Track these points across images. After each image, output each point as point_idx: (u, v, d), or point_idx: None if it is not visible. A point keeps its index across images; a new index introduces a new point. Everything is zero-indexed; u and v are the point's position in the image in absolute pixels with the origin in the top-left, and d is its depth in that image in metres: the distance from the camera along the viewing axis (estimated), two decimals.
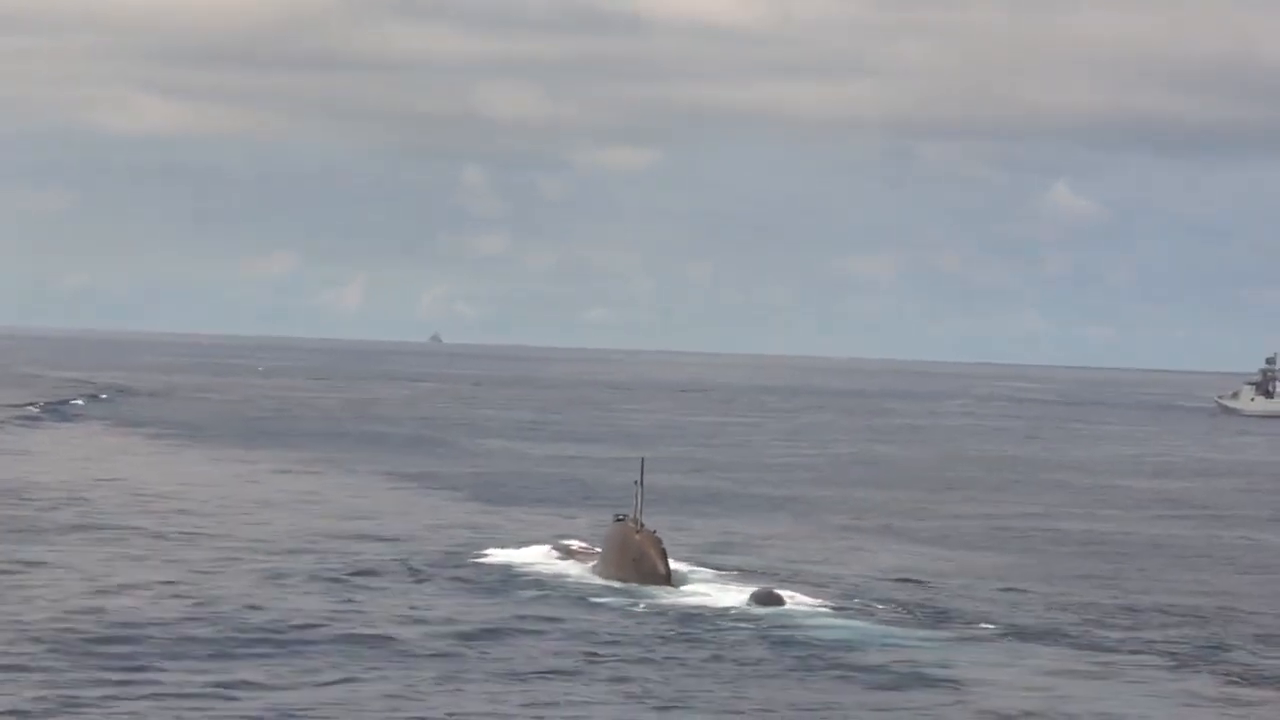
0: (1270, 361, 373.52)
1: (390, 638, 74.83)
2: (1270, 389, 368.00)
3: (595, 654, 74.28)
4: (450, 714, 61.87)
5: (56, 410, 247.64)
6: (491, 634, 78.19)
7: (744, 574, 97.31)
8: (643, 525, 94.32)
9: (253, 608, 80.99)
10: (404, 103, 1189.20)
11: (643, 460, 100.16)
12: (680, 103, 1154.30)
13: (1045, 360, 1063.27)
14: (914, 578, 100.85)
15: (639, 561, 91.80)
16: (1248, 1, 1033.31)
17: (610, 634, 79.07)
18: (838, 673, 71.82)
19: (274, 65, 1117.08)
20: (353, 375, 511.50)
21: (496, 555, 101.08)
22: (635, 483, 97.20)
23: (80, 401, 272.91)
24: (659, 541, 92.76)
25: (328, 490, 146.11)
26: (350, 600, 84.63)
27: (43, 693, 62.86)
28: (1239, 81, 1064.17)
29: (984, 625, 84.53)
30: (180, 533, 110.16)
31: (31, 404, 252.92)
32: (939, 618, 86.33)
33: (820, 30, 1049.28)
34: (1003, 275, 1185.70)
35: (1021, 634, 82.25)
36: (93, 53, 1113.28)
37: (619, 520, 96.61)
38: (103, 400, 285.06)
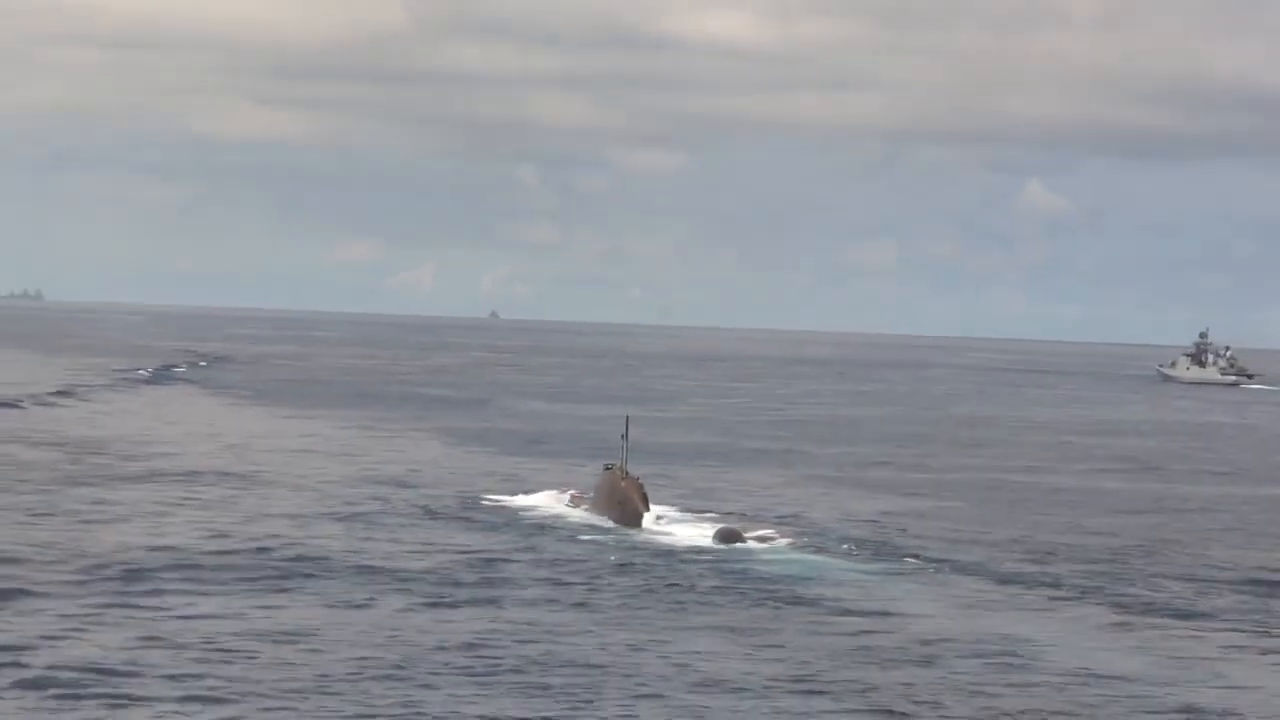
0: (1202, 336, 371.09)
1: (394, 569, 74.15)
2: (1202, 359, 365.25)
3: (562, 580, 74.01)
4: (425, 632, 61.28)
5: (162, 374, 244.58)
6: (486, 563, 78.02)
7: (719, 516, 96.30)
8: (628, 473, 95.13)
9: (285, 541, 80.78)
10: (468, 111, 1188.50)
11: (627, 418, 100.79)
12: (704, 112, 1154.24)
13: (1023, 335, 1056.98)
14: (869, 520, 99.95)
15: (624, 504, 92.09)
16: (1195, 28, 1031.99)
17: (582, 565, 78.71)
18: (777, 601, 70.93)
19: (358, 79, 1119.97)
20: (420, 346, 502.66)
21: (507, 500, 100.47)
22: (621, 437, 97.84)
23: (182, 368, 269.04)
24: (641, 486, 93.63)
25: (374, 443, 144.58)
26: (370, 537, 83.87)
27: (94, 607, 62.69)
28: (1188, 95, 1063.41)
29: (915, 560, 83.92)
30: (237, 475, 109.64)
31: (141, 369, 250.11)
32: (881, 554, 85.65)
33: (826, 50, 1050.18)
34: (986, 261, 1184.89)
35: (952, 569, 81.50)
36: (204, 69, 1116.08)
37: (608, 469, 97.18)
38: (201, 367, 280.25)
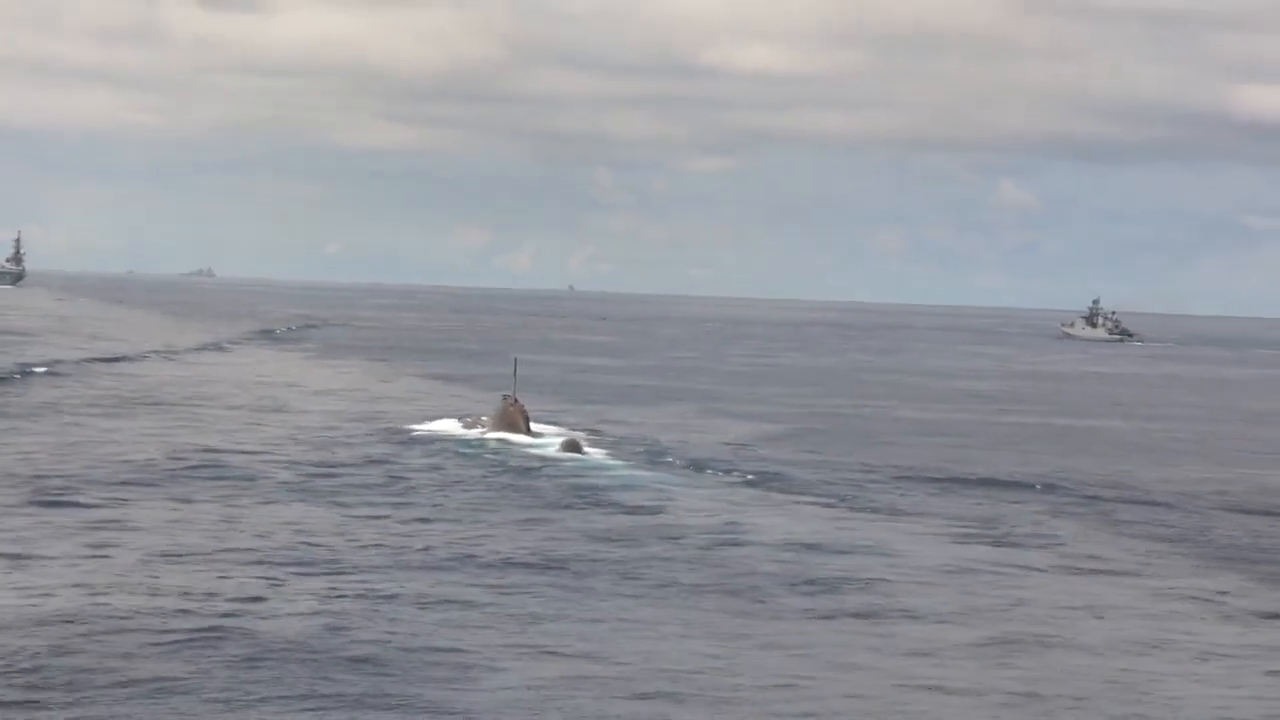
0: (1095, 303, 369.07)
1: (304, 476, 73.85)
2: (1094, 321, 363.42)
3: (408, 480, 73.99)
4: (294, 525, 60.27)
5: (264, 335, 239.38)
6: (374, 465, 79.11)
7: (592, 435, 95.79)
8: (516, 400, 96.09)
9: (232, 454, 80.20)
10: (553, 125, 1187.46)
11: (515, 359, 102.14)
12: (746, 125, 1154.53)
13: (1000, 304, 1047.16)
14: (719, 444, 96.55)
15: (511, 424, 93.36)
16: (1133, 56, 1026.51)
17: (433, 469, 78.55)
18: (579, 498, 69.67)
19: (463, 100, 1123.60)
20: (498, 311, 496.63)
21: (427, 426, 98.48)
22: (513, 373, 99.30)
23: (284, 330, 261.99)
24: (524, 410, 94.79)
25: (373, 384, 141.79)
26: (305, 453, 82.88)
27: (152, 503, 63.64)
28: (1129, 111, 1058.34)
29: (735, 475, 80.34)
30: (246, 407, 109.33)
31: (253, 331, 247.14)
32: (697, 467, 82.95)
33: (843, 74, 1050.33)
34: (972, 245, 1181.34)
35: (748, 479, 78.88)
36: (340, 91, 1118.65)
37: (505, 397, 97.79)
38: (299, 329, 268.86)
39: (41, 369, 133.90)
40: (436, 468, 79.28)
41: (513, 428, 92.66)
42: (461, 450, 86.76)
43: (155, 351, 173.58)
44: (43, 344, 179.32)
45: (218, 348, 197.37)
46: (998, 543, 63.43)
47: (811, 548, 59.43)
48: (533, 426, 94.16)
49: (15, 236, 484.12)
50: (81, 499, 64.44)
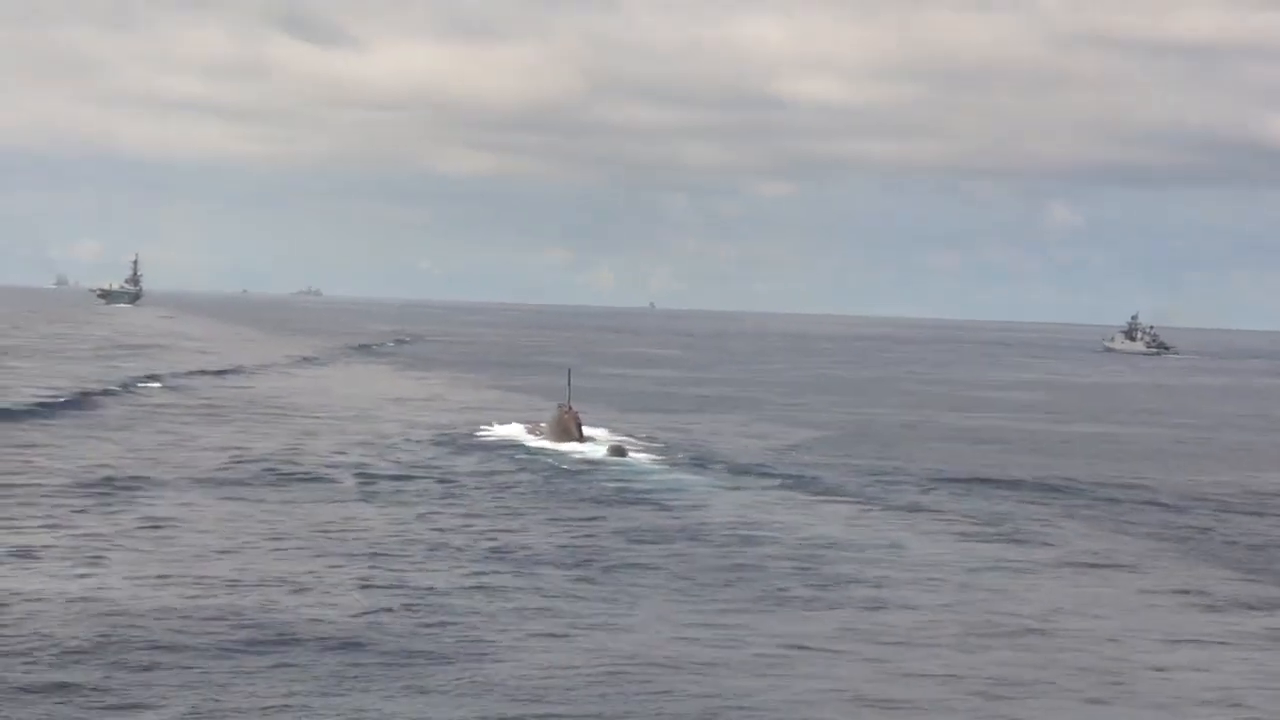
0: (1134, 317, 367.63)
1: (371, 476, 74.30)
2: (1133, 335, 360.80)
3: (459, 481, 74.29)
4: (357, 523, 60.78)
5: (355, 350, 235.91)
6: (432, 467, 79.23)
7: (643, 441, 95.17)
8: (571, 408, 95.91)
9: (333, 461, 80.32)
10: (631, 152, 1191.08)
11: (569, 370, 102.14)
12: (809, 153, 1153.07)
13: (1051, 319, 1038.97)
14: (764, 449, 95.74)
15: (565, 431, 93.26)
16: (1172, 89, 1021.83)
17: (484, 472, 78.42)
18: (615, 498, 69.36)
19: (546, 128, 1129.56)
20: (579, 327, 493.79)
21: (493, 431, 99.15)
22: (568, 383, 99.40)
23: (376, 345, 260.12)
24: (577, 417, 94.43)
25: (447, 391, 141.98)
26: (378, 455, 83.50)
27: (215, 502, 63.96)
28: (1168, 139, 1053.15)
29: (772, 478, 79.21)
30: (347, 417, 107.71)
31: (347, 346, 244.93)
32: (737, 470, 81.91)
33: (898, 105, 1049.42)
34: (1023, 264, 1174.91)
35: (783, 482, 77.70)
36: (434, 123, 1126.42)
37: (560, 406, 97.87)
38: (391, 345, 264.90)
39: (148, 382, 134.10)
40: (488, 470, 79.10)
41: (566, 434, 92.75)
42: (515, 454, 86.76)
43: (254, 365, 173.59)
44: (149, 358, 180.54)
45: (314, 361, 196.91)
46: (1005, 539, 62.96)
47: (826, 543, 59.20)
48: (586, 432, 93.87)
49: (133, 259, 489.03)
50: (151, 497, 65.17)
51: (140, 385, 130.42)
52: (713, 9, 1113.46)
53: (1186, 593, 52.70)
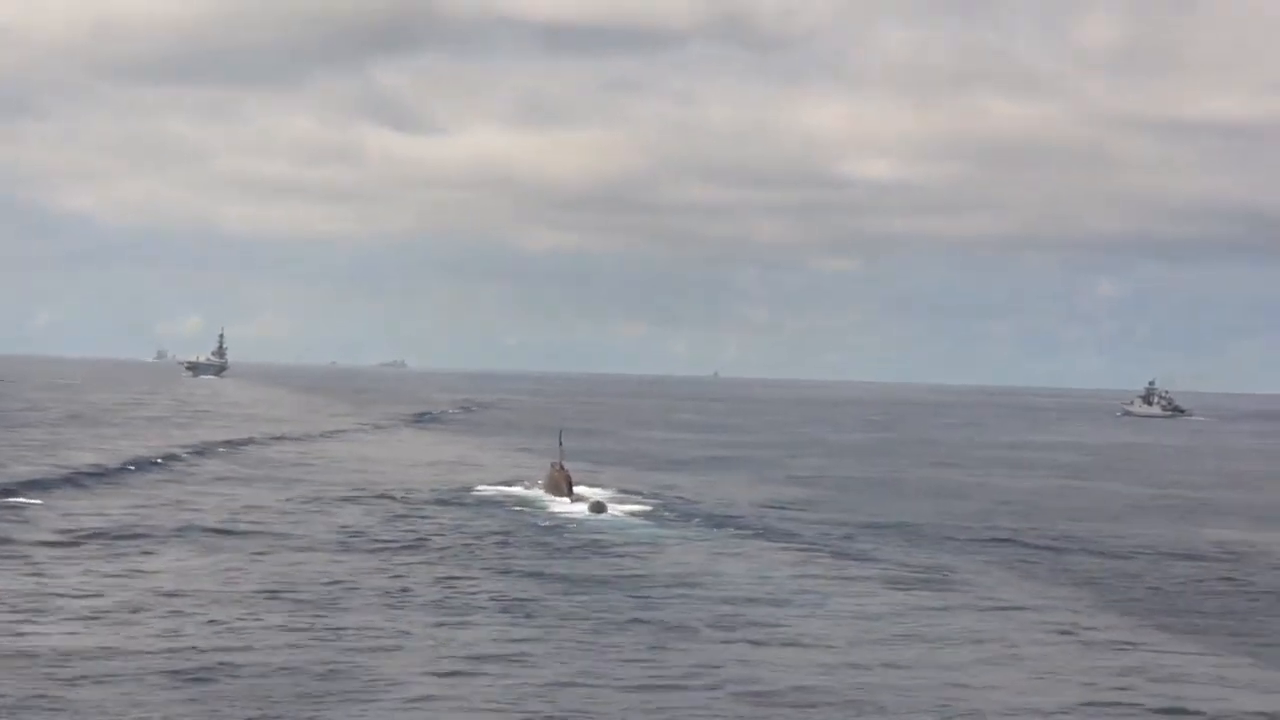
0: (1151, 383, 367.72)
1: (374, 534, 73.63)
2: (1150, 400, 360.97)
3: (435, 533, 73.86)
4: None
5: (420, 418, 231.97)
6: (416, 520, 79.28)
7: (633, 497, 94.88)
8: (563, 466, 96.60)
9: (331, 517, 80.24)
10: (697, 231, 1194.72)
11: (560, 430, 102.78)
12: (870, 229, 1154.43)
13: (1101, 386, 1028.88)
14: (749, 504, 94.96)
15: (555, 487, 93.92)
16: (1212, 167, 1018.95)
17: (463, 525, 78.34)
18: (576, 551, 68.58)
19: (619, 208, 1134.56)
20: (651, 395, 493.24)
21: (492, 489, 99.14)
22: (560, 444, 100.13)
23: (439, 412, 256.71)
24: (568, 475, 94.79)
25: (480, 455, 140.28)
26: (389, 513, 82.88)
27: (186, 554, 63.34)
28: (1207, 213, 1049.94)
29: (744, 530, 78.67)
30: (360, 478, 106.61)
31: (412, 414, 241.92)
32: (715, 525, 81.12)
33: (950, 183, 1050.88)
34: (1074, 333, 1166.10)
35: (755, 535, 77.07)
36: (513, 202, 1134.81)
37: (552, 464, 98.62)
38: (456, 413, 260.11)
39: (192, 449, 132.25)
40: (463, 525, 78.77)
41: (556, 490, 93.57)
42: (498, 510, 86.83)
43: (308, 433, 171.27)
44: (212, 425, 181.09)
45: (374, 427, 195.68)
46: (927, 586, 62.52)
47: (756, 589, 59.10)
48: (577, 489, 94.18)
49: (219, 333, 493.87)
50: (135, 549, 66.00)
51: (183, 454, 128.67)
52: (777, 97, 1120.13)
53: (1067, 631, 52.70)
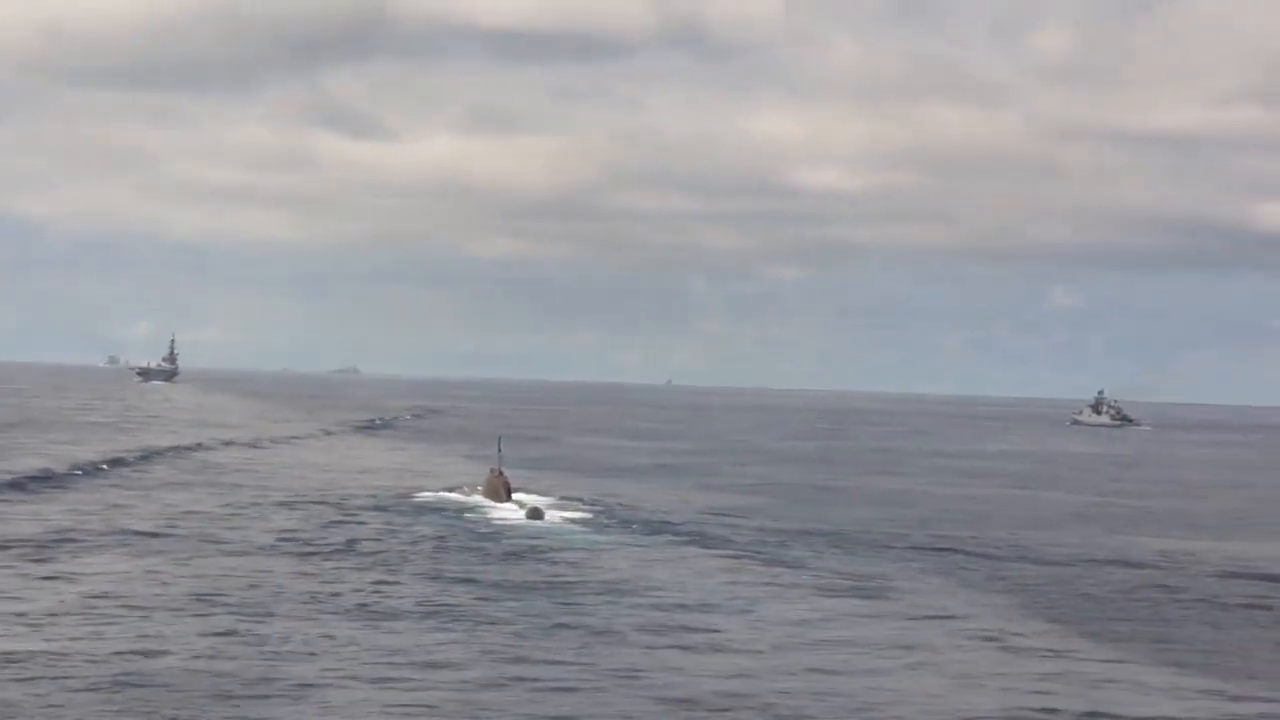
0: (1100, 393, 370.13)
1: (308, 538, 73.26)
2: (1099, 409, 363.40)
3: (369, 538, 73.61)
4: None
5: (367, 425, 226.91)
6: (352, 526, 78.70)
7: (573, 503, 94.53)
8: (501, 472, 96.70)
9: (265, 522, 79.80)
10: (649, 239, 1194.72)
11: (499, 437, 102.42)
12: (820, 238, 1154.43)
13: (1052, 395, 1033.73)
14: (688, 512, 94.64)
15: (494, 493, 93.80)
16: (1157, 178, 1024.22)
17: (397, 530, 77.94)
18: (508, 557, 68.17)
19: (570, 215, 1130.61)
20: (601, 402, 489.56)
21: (431, 495, 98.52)
22: (498, 450, 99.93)
23: (383, 419, 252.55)
24: (506, 481, 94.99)
25: (417, 462, 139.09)
26: (322, 518, 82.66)
27: (120, 559, 62.47)
28: (1154, 225, 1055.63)
29: (677, 536, 78.82)
30: (301, 483, 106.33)
31: (359, 420, 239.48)
32: (649, 530, 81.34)
33: (901, 193, 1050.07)
34: (1025, 343, 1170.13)
35: (687, 541, 76.90)
36: (466, 210, 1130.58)
37: (491, 470, 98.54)
38: (405, 419, 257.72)
39: (139, 454, 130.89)
40: (403, 529, 78.53)
41: (494, 496, 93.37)
42: (435, 516, 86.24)
43: (256, 439, 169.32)
44: (160, 430, 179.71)
45: (324, 433, 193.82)
46: (859, 593, 62.45)
47: (686, 595, 58.99)
48: (516, 495, 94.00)
49: (171, 339, 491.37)
50: (66, 554, 65.27)
51: (129, 456, 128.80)
52: (727, 106, 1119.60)
53: (991, 637, 52.82)
